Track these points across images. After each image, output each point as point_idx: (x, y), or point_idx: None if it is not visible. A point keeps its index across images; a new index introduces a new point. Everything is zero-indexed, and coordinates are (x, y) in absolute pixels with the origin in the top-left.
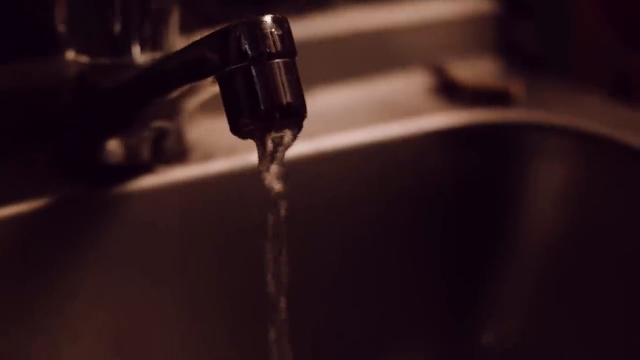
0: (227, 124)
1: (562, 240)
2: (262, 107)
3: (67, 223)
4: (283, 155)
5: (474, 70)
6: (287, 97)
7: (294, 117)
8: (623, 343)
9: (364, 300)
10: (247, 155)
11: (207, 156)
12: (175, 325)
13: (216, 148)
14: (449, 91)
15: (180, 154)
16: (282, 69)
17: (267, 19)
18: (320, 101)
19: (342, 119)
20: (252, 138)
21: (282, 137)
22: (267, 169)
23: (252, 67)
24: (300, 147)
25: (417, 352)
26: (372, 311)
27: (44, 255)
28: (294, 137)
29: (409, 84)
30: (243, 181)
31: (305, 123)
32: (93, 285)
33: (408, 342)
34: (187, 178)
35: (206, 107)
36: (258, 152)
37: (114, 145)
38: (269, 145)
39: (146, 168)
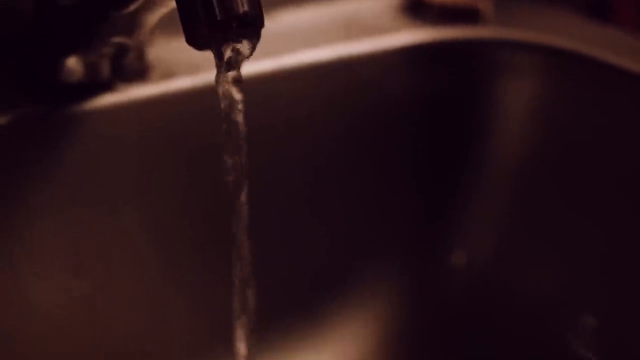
0: None
1: (531, 159)
2: (218, 17)
3: (25, 142)
4: (240, 65)
5: None
6: (243, 7)
7: (251, 26)
8: (597, 263)
9: (328, 221)
10: (208, 73)
11: (168, 74)
12: (136, 247)
13: (177, 66)
14: (416, 9)
15: (140, 72)
16: None
17: None
18: (284, 21)
19: (306, 37)
20: (209, 49)
21: (239, 48)
22: (225, 80)
23: None
24: (260, 65)
25: (385, 272)
26: (338, 232)
27: (1, 175)
28: (253, 48)
29: (375, 3)
30: (204, 99)
31: (267, 42)
32: (52, 205)
33: (375, 263)
34: (147, 96)
35: (167, 26)
36: (216, 63)
37: (73, 63)
38: (227, 55)
39: (106, 86)
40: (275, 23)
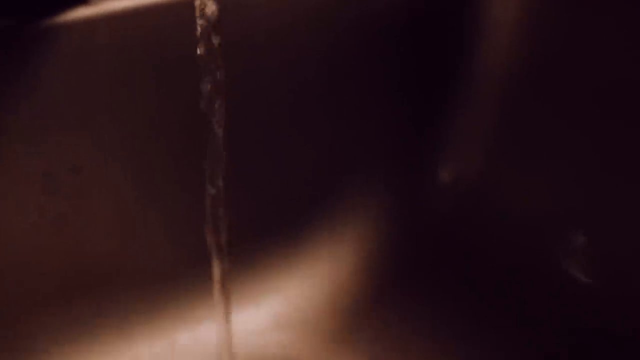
0: None
1: (519, 71)
2: None
3: None
4: None
5: None
6: None
7: None
8: (588, 178)
9: (310, 135)
10: None
11: None
12: (110, 163)
13: None
14: None
15: None
16: None
17: None
18: None
19: None
20: None
21: None
22: None
23: None
24: None
25: (369, 189)
26: (320, 147)
27: None
28: None
29: None
30: (180, 10)
31: None
32: (23, 121)
33: (360, 179)
34: (122, 8)
35: None
36: None
37: None
38: None
39: None
40: None
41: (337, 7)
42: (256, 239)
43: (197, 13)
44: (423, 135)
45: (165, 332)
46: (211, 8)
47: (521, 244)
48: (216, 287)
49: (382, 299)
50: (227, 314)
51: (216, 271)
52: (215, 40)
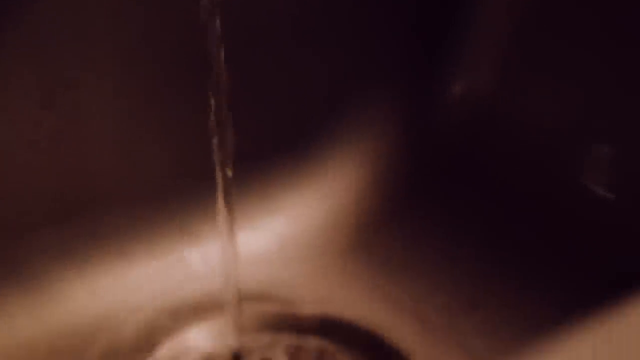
0: None
1: None
2: None
3: None
4: None
5: None
6: None
7: None
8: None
9: (318, 51)
10: None
11: None
12: (108, 77)
13: None
14: None
15: None
16: None
17: None
18: None
19: None
20: None
21: None
22: None
23: None
24: None
25: (380, 105)
26: (329, 63)
27: None
28: None
29: None
30: None
31: None
32: (19, 33)
33: (370, 95)
34: None
35: None
36: None
37: None
38: None
39: None
40: None
41: None
42: (261, 157)
43: None
44: (434, 50)
45: (167, 252)
46: None
47: (538, 159)
48: (220, 206)
49: (390, 220)
50: (231, 235)
51: (220, 190)
52: None
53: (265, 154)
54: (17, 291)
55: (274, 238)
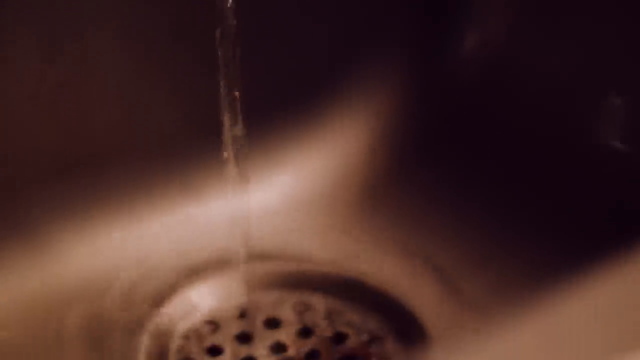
0: None
1: None
2: None
3: None
4: None
5: None
6: None
7: None
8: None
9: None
10: None
11: None
12: (116, 28)
13: None
14: None
15: None
16: None
17: None
18: None
19: None
20: None
21: None
22: None
23: None
24: None
25: (390, 59)
26: (339, 15)
27: None
28: None
29: None
30: None
31: None
32: None
33: (381, 49)
34: None
35: None
36: None
37: None
38: None
39: None
40: None
41: None
42: (269, 113)
43: None
44: (444, 3)
45: (172, 209)
46: None
47: (551, 110)
48: (229, 163)
49: (400, 175)
50: (239, 192)
51: (229, 145)
52: None
53: (274, 110)
54: (18, 247)
55: (282, 195)
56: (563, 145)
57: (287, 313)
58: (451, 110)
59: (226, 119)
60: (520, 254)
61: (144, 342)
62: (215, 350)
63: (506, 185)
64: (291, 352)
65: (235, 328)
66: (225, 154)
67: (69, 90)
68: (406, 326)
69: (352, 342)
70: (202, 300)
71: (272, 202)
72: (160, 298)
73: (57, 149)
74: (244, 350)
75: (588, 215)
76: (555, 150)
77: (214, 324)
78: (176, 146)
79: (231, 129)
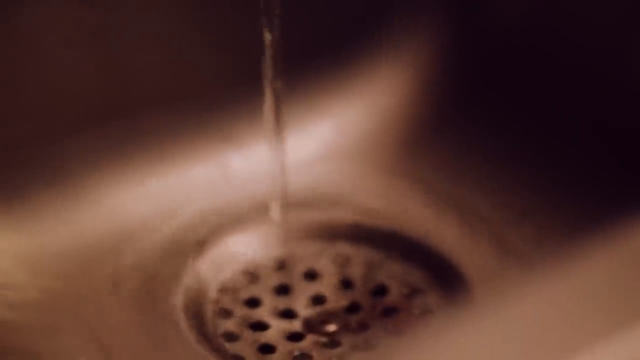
0: None
1: None
2: None
3: None
4: None
5: None
6: None
7: None
8: None
9: None
10: None
11: None
12: None
13: None
14: None
15: None
16: None
17: None
18: None
19: None
20: None
21: None
22: None
23: None
24: None
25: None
26: None
27: None
28: None
29: None
30: None
31: None
32: None
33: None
34: None
35: None
36: None
37: None
38: None
39: None
40: None
41: None
42: (308, 63)
43: None
44: None
45: (210, 158)
46: None
47: (596, 49)
48: (267, 111)
49: (438, 126)
50: (278, 141)
51: (268, 94)
52: None
53: (312, 60)
54: (54, 195)
55: (321, 144)
56: (601, 97)
57: (326, 265)
58: (490, 59)
59: (266, 68)
60: (561, 208)
61: (181, 294)
62: (253, 302)
63: (546, 139)
64: (331, 305)
65: (273, 280)
66: (264, 104)
67: (106, 35)
68: (448, 279)
69: (393, 295)
70: (239, 251)
71: (310, 152)
72: (197, 249)
73: (94, 96)
74: (283, 302)
75: (629, 167)
76: (593, 103)
77: (251, 276)
78: (215, 95)
79: (271, 78)
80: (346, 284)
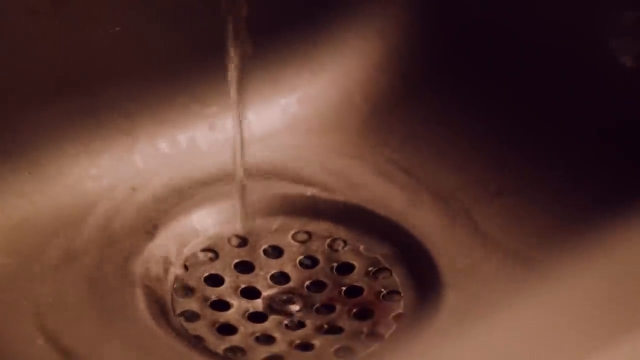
0: None
1: None
2: None
3: None
4: None
5: None
6: None
7: None
8: None
9: None
10: None
11: None
12: None
13: None
14: None
15: None
16: None
17: None
18: None
19: None
20: None
21: None
22: None
23: None
24: None
25: None
26: None
27: None
28: None
29: None
30: None
31: None
32: None
33: None
34: None
35: None
36: None
37: None
38: None
39: None
40: None
41: None
42: (272, 34)
43: None
44: None
45: (173, 130)
46: None
47: (565, 24)
48: (231, 84)
49: (405, 98)
50: (242, 113)
51: (232, 66)
52: None
53: (277, 31)
54: (15, 168)
55: (283, 117)
56: (575, 57)
57: (289, 241)
58: (459, 31)
59: (230, 40)
60: (532, 185)
61: (140, 271)
62: (214, 279)
63: (519, 108)
64: (294, 282)
65: (235, 256)
66: (228, 75)
67: (69, 5)
68: (414, 255)
69: (357, 273)
70: (201, 226)
71: (271, 124)
72: (158, 224)
73: (54, 66)
74: (244, 280)
75: (605, 141)
76: (569, 64)
77: (213, 252)
78: (178, 66)
79: (234, 49)
80: (309, 261)
